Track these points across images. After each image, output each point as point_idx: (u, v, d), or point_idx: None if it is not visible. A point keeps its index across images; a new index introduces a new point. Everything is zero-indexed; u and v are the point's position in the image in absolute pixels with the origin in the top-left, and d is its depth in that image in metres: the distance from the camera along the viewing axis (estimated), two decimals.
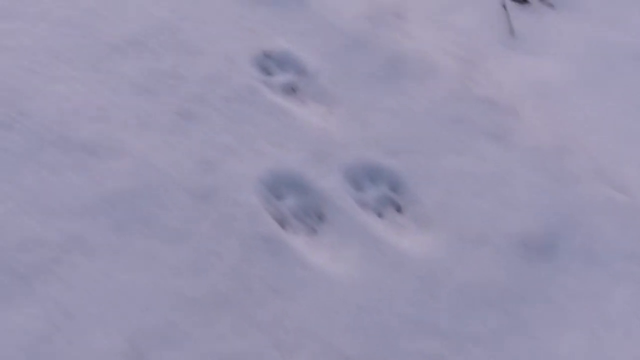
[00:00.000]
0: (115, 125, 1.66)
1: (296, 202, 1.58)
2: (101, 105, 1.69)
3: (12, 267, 1.40)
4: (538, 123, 1.85)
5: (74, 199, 1.51)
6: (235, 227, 1.50)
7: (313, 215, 1.57)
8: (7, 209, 1.48)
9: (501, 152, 1.73)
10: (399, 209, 1.61)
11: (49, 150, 1.59)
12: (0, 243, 1.42)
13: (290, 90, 1.82)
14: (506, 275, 1.51)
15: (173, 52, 1.83)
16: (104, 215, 1.49)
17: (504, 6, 2.27)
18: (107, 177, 1.55)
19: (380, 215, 1.60)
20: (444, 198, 1.62)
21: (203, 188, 1.55)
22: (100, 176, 1.55)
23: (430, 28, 2.13)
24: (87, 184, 1.54)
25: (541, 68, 2.09)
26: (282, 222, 1.55)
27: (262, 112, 1.73)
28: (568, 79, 2.07)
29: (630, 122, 1.92)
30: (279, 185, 1.60)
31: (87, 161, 1.58)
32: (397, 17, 2.09)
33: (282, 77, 1.84)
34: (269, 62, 1.87)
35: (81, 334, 1.30)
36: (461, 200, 1.61)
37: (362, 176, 1.65)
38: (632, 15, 2.32)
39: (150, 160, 1.60)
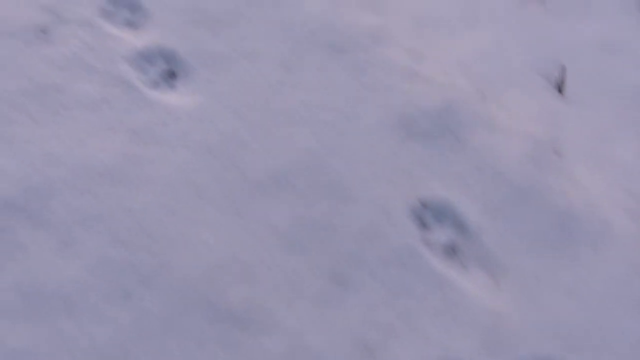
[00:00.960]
0: (264, 289, 1.49)
1: None
2: (248, 261, 1.53)
3: None
4: None
5: None
6: None
7: None
8: None
9: None
10: None
11: (194, 316, 1.44)
12: None
13: (451, 250, 1.63)
14: None
15: (324, 196, 1.66)
16: None
17: None
18: (258, 359, 1.40)
19: None
20: None
21: None
22: (251, 356, 1.40)
23: (593, 167, 1.90)
24: None
25: None
26: None
27: (423, 281, 1.54)
28: None
29: None
30: None
31: (236, 335, 1.41)
32: (558, 155, 1.88)
33: (441, 234, 1.65)
34: (426, 214, 1.68)
35: None
36: None
37: None
38: None
39: (305, 339, 1.42)
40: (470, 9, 2.40)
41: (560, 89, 2.23)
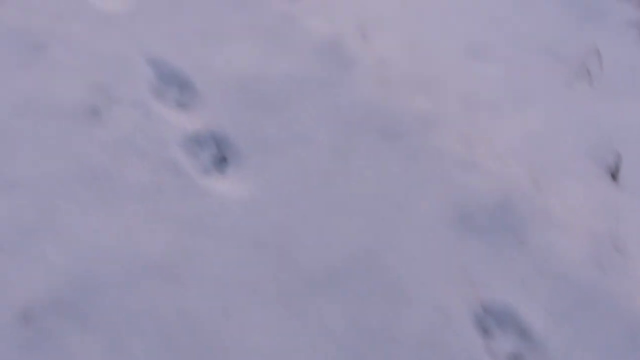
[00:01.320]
0: None
1: None
2: None
3: None
4: None
5: None
6: None
7: None
8: None
9: None
10: None
11: None
12: None
13: None
14: None
15: (380, 296, 1.59)
16: None
17: None
18: None
19: None
20: None
21: None
22: None
23: None
24: None
25: None
26: None
27: None
28: None
29: None
30: None
31: None
32: (620, 253, 1.80)
33: (505, 342, 1.56)
34: (488, 319, 1.60)
35: None
36: None
37: None
38: None
39: None
40: (517, 90, 2.37)
41: (614, 176, 2.17)
